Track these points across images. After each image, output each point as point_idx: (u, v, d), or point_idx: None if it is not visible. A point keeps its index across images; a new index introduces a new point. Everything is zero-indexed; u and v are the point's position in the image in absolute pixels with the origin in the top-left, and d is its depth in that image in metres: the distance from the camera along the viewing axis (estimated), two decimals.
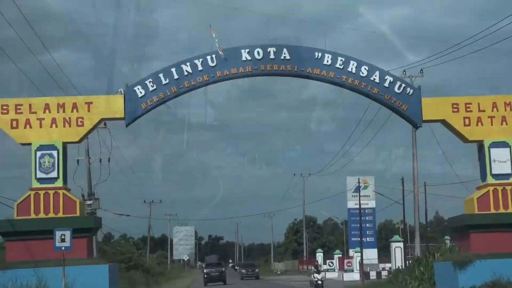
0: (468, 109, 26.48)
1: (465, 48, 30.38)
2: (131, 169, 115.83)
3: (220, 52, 26.00)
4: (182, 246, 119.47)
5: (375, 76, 26.63)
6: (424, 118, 26.75)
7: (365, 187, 61.88)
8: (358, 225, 60.83)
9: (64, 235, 21.83)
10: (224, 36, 25.91)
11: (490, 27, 28.75)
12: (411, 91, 26.77)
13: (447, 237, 56.09)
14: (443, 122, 26.91)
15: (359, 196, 53.92)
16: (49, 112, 25.55)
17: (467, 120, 26.45)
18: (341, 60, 26.58)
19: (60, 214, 24.79)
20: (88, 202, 44.58)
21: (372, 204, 63.09)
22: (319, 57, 26.55)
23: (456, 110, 26.52)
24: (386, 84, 26.67)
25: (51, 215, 24.76)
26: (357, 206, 59.88)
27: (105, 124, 45.28)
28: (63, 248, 21.93)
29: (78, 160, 45.22)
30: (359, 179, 56.44)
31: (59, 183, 25.11)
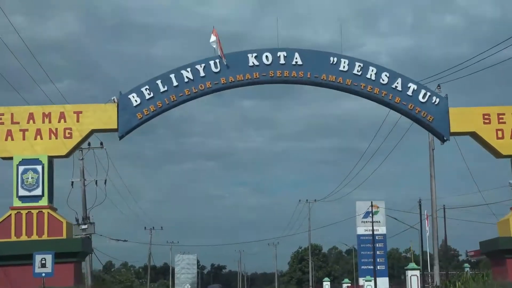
0: (501, 120, 23.78)
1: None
2: (131, 195, 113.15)
3: (222, 57, 23.37)
4: (184, 275, 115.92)
5: (397, 83, 23.96)
6: (451, 130, 24.02)
7: (375, 213, 59.10)
8: (368, 253, 58.25)
9: (45, 260, 18.99)
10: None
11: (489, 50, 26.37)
12: (437, 100, 24.05)
13: (466, 265, 53.10)
14: (473, 134, 24.18)
15: (372, 221, 51.10)
16: (34, 122, 22.88)
17: (500, 133, 23.73)
18: (359, 66, 23.94)
19: (45, 237, 22.01)
20: (83, 227, 41.95)
21: (382, 230, 60.23)
22: (334, 63, 23.91)
23: (487, 121, 23.83)
24: (410, 93, 23.98)
25: (34, 237, 21.94)
26: (367, 233, 57.51)
27: (101, 144, 42.97)
28: (43, 274, 19.06)
29: (72, 182, 42.72)
30: (371, 202, 53.56)
31: (43, 202, 22.34)
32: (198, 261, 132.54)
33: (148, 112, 23.42)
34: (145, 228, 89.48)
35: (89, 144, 42.83)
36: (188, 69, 23.56)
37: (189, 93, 23.58)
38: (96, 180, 43.36)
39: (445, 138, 24.24)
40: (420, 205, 46.57)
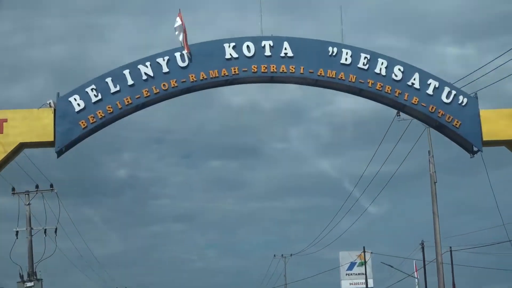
0: None
1: None
2: (92, 253, 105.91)
3: (185, 48, 18.12)
4: None
5: (414, 80, 18.95)
6: (484, 139, 18.88)
7: (361, 264, 53.75)
8: None
9: None
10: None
11: None
12: (465, 100, 19.00)
13: None
14: (511, 144, 19.09)
15: (366, 272, 45.58)
16: None
17: None
18: (366, 58, 18.93)
19: None
20: (28, 284, 35.79)
21: (370, 283, 54.54)
22: (334, 54, 18.87)
23: None
24: (430, 91, 18.96)
25: None
26: (353, 286, 52.31)
27: (51, 186, 37.28)
28: None
29: (17, 232, 36.67)
30: (364, 247, 48.07)
31: None
32: None
33: (94, 120, 18.04)
34: None
35: (37, 186, 37.16)
36: (147, 63, 18.32)
37: (148, 94, 18.27)
38: (45, 229, 37.30)
39: (476, 150, 19.06)
40: (422, 248, 41.08)
